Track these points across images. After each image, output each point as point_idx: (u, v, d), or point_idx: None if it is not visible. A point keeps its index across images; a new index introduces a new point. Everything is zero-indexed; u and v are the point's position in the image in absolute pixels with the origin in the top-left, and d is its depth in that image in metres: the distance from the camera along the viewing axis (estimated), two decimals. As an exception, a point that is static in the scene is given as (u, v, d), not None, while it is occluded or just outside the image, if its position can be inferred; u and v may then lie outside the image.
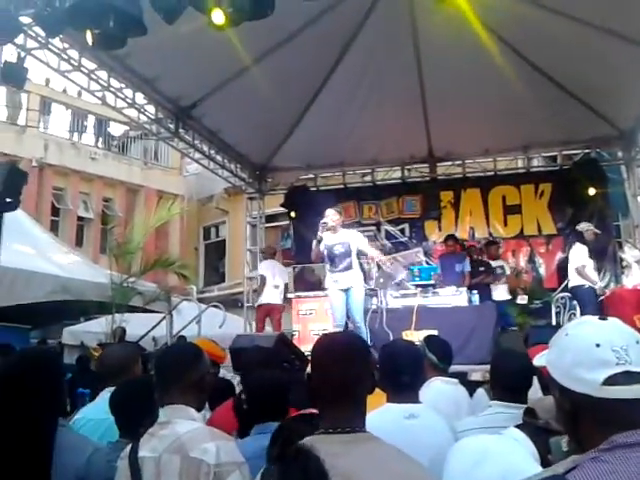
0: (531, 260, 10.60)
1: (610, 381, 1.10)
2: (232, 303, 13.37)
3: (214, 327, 8.76)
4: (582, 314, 7.42)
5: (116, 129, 20.43)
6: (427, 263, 10.30)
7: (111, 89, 7.69)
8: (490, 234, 10.73)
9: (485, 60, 7.38)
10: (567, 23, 6.87)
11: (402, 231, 11.09)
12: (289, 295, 8.92)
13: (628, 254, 10.04)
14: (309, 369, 1.85)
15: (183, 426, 2.09)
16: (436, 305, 7.87)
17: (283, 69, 7.57)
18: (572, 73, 8.08)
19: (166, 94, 8.23)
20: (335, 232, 7.08)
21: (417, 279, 8.53)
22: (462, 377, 4.67)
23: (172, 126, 8.74)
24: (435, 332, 6.61)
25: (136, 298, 8.74)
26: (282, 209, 11.98)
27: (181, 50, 6.51)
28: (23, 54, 6.24)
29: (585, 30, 6.90)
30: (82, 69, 7.08)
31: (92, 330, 9.81)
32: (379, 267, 8.27)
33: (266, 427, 2.49)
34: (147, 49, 6.35)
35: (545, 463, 1.73)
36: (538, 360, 1.37)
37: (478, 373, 5.57)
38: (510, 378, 2.65)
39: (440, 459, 1.99)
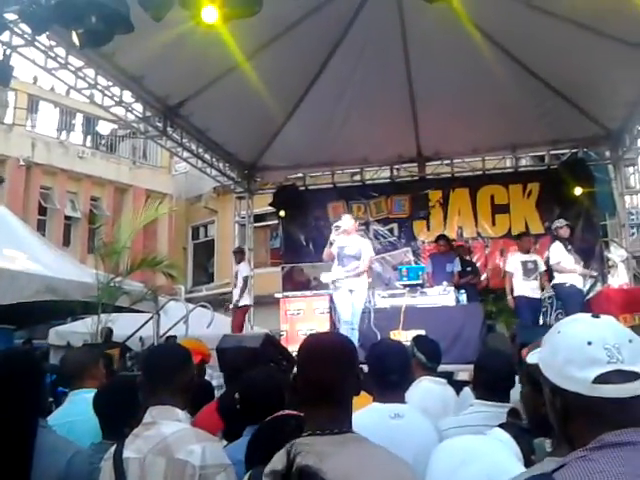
0: (519, 259, 10.64)
1: (601, 380, 1.09)
2: (220, 303, 13.32)
3: (202, 327, 8.68)
4: (565, 312, 7.39)
5: (104, 128, 20.33)
6: (415, 263, 10.34)
7: (98, 87, 7.63)
8: (478, 233, 10.77)
9: (474, 59, 7.40)
10: (556, 23, 6.91)
11: (391, 231, 11.11)
12: (277, 295, 8.89)
13: (614, 254, 10.11)
14: (295, 370, 1.83)
15: (169, 427, 2.07)
16: (424, 305, 7.90)
17: (272, 68, 7.55)
18: (560, 73, 8.12)
19: (154, 93, 8.18)
20: (349, 235, 7.50)
21: (405, 279, 8.55)
22: (449, 377, 4.68)
23: (160, 125, 8.70)
24: (423, 332, 6.64)
25: (123, 298, 8.65)
26: (271, 208, 11.96)
27: (168, 49, 6.46)
28: (9, 51, 6.18)
29: (574, 30, 6.93)
30: (69, 67, 7.01)
31: (78, 330, 9.71)
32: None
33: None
34: (134, 47, 6.32)
35: (529, 464, 1.73)
36: (530, 358, 1.37)
37: (465, 373, 5.57)
38: (492, 377, 2.66)
39: (424, 459, 1.99)
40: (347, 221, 7.61)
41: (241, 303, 10.42)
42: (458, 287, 8.49)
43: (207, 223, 20.60)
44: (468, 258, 9.94)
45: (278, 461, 1.52)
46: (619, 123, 9.30)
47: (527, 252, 8.67)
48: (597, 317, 1.19)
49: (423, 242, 10.89)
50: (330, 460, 1.46)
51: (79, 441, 2.45)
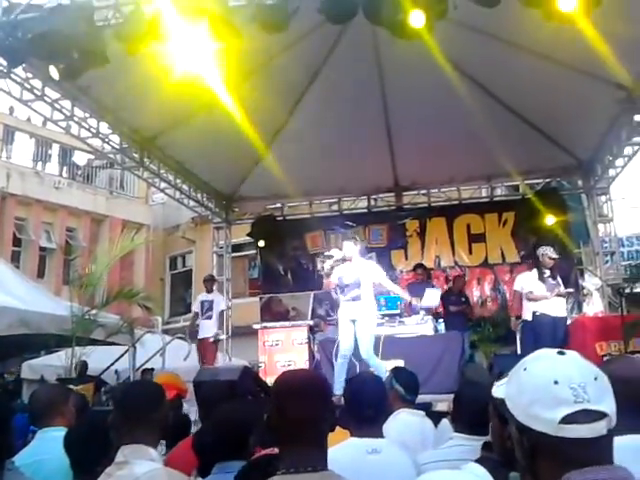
0: (495, 288, 10.73)
1: (568, 420, 1.09)
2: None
3: (179, 359, 8.58)
4: (536, 343, 7.16)
5: (81, 158, 20.20)
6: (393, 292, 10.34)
7: (75, 119, 7.63)
8: (456, 262, 10.85)
9: (448, 92, 7.53)
10: (527, 57, 7.08)
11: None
12: (255, 326, 8.81)
13: (589, 282, 10.22)
14: (269, 407, 1.81)
15: (142, 467, 2.03)
16: (402, 334, 7.89)
17: (250, 101, 7.58)
18: (533, 106, 8.32)
19: (130, 125, 8.19)
20: (351, 262, 7.03)
21: (384, 308, 8.54)
22: (427, 407, 4.66)
23: (137, 155, 8.69)
24: (401, 362, 6.63)
25: (98, 330, 8.52)
26: (249, 238, 11.94)
27: (144, 82, 6.48)
28: (-16, 83, 6.17)
29: (545, 64, 7.10)
30: (45, 98, 7.00)
31: (52, 364, 9.53)
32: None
33: (227, 466, 2.39)
34: (110, 80, 6.34)
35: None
36: (496, 391, 1.36)
37: (444, 403, 5.56)
38: (471, 411, 2.65)
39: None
40: (346, 248, 7.12)
41: (221, 337, 10.26)
42: (441, 316, 8.50)
43: (185, 253, 20.44)
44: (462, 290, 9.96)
45: None
46: (590, 153, 9.51)
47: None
48: (562, 354, 1.19)
49: (401, 271, 10.93)
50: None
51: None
